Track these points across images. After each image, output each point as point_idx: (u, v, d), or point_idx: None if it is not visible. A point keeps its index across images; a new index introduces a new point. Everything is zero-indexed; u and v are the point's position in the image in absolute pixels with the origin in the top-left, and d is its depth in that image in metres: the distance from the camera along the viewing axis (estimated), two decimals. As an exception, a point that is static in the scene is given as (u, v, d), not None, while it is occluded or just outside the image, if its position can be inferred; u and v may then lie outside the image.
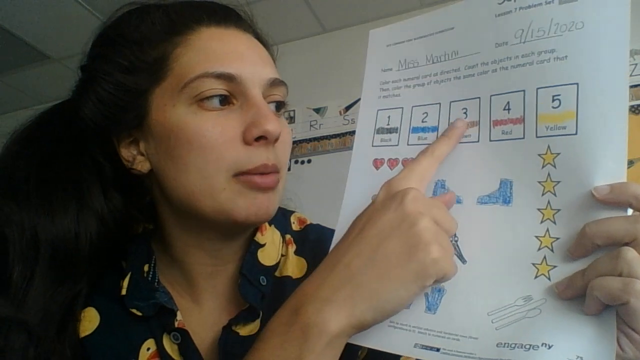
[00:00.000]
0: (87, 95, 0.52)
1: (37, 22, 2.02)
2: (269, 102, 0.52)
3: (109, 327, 0.51)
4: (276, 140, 0.49)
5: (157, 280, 0.54)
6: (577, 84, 0.38)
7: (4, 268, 0.45)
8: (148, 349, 0.51)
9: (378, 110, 0.50)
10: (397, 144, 0.48)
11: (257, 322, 0.53)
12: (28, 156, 0.51)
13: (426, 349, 0.39)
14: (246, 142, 0.48)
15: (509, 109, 0.41)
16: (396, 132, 0.48)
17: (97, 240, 0.50)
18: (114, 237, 0.52)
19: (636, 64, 1.73)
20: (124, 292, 0.52)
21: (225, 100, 0.49)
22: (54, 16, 1.97)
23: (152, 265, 0.55)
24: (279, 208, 0.57)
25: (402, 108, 0.48)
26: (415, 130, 0.47)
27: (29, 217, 0.47)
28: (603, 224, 0.35)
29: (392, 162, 0.48)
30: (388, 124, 0.49)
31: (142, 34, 0.52)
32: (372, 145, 0.49)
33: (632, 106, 1.71)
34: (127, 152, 0.52)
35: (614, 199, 0.35)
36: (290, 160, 0.56)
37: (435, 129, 0.46)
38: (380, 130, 0.49)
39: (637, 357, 0.34)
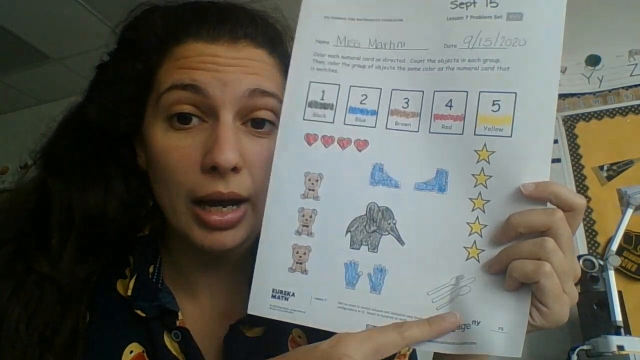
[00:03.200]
0: (91, 100, 0.55)
1: (37, 22, 2.01)
2: (249, 119, 0.49)
3: (97, 326, 0.52)
4: (235, 169, 0.46)
5: (161, 282, 0.55)
6: (515, 93, 0.43)
7: (46, 232, 0.51)
8: (131, 352, 0.51)
9: (310, 82, 0.48)
10: (332, 121, 0.47)
11: (263, 327, 0.54)
12: (69, 140, 0.56)
13: None
14: (202, 169, 0.47)
15: (450, 106, 0.44)
16: (331, 109, 0.47)
17: (119, 220, 0.53)
18: (128, 226, 0.55)
19: (636, 64, 1.73)
20: (129, 292, 0.53)
21: (190, 120, 0.48)
22: (54, 16, 1.97)
23: (157, 266, 0.56)
24: None
25: (339, 85, 0.47)
26: (353, 110, 0.47)
27: (67, 192, 0.52)
28: (525, 215, 0.41)
29: (327, 140, 0.47)
30: (322, 99, 0.47)
31: (141, 42, 0.53)
32: (304, 119, 0.47)
33: (632, 106, 1.71)
34: (138, 146, 0.55)
35: (537, 195, 0.41)
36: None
37: (374, 112, 0.46)
38: (312, 104, 0.47)
39: (543, 325, 0.41)
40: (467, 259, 0.43)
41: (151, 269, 0.55)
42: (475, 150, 0.43)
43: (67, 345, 0.49)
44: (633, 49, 1.75)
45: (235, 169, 0.47)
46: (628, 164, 1.66)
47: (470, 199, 0.43)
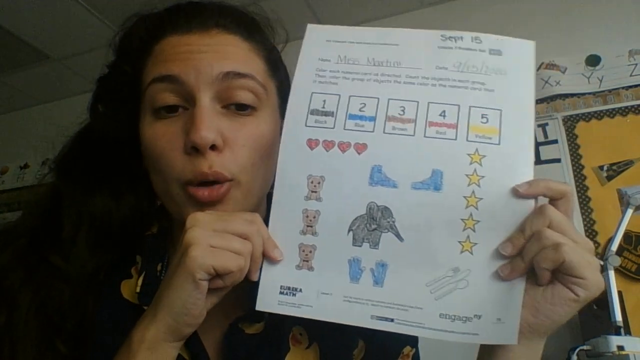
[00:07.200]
0: (95, 111, 0.59)
1: (37, 22, 2.01)
2: (230, 103, 0.51)
3: (104, 324, 0.54)
4: (215, 147, 0.49)
5: None
6: (500, 110, 0.49)
7: (58, 229, 0.55)
8: None
9: (312, 92, 0.51)
10: (333, 127, 0.50)
11: (262, 323, 0.55)
12: (80, 146, 0.61)
13: (381, 319, 0.47)
14: (185, 151, 0.49)
15: (444, 116, 0.49)
16: (332, 116, 0.50)
17: (127, 224, 0.56)
18: (136, 226, 0.58)
19: (636, 64, 1.73)
20: (137, 289, 0.54)
21: (176, 109, 0.51)
22: (54, 16, 1.97)
23: (165, 264, 0.57)
24: None
25: (339, 95, 0.51)
26: (352, 117, 0.50)
27: (77, 193, 0.56)
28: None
29: (328, 144, 0.49)
30: (323, 107, 0.50)
31: (129, 48, 0.56)
32: (306, 125, 0.50)
33: (632, 106, 1.71)
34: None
35: (533, 192, 0.45)
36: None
37: (372, 118, 0.50)
38: (314, 112, 0.50)
39: (587, 296, 0.43)
40: (462, 252, 0.46)
41: (159, 267, 0.57)
42: (468, 154, 0.47)
43: (74, 334, 0.51)
44: (633, 49, 1.75)
45: (214, 148, 0.49)
46: (628, 164, 1.66)
47: (464, 196, 0.47)
